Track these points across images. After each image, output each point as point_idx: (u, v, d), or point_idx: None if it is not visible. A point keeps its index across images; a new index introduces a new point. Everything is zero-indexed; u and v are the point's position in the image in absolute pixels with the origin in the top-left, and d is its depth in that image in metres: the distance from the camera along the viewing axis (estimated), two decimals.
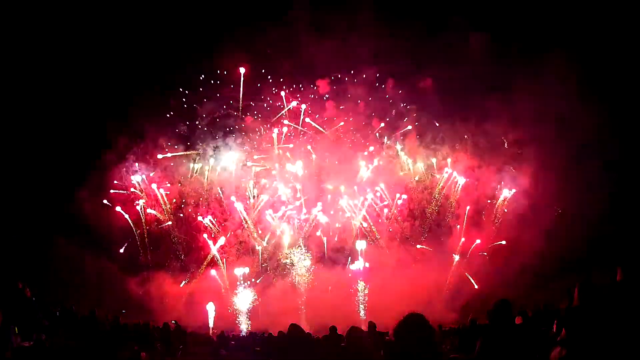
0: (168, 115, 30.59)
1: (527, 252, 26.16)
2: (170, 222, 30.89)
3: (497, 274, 26.39)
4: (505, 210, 29.62)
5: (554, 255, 24.85)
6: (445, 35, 26.69)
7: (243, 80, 29.84)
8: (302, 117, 30.67)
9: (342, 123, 30.63)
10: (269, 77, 30.36)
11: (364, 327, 13.66)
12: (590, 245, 23.53)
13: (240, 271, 29.37)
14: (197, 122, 31.03)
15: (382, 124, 30.91)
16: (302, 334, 7.81)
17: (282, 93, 30.24)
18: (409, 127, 30.46)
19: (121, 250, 29.83)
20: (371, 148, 31.20)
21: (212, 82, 30.25)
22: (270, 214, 30.78)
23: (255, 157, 31.29)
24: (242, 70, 29.34)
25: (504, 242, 28.75)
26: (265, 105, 30.99)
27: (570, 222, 25.13)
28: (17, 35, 25.26)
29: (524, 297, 20.09)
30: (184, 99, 30.67)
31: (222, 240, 30.25)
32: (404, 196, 31.00)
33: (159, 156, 30.45)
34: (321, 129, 31.01)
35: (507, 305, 5.59)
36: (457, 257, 29.18)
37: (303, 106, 30.35)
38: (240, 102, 30.11)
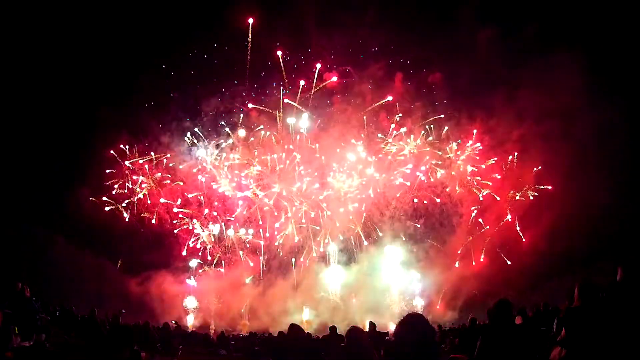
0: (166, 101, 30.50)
1: (528, 251, 26.13)
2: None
3: (497, 273, 26.37)
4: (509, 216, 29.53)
5: (555, 254, 24.82)
6: (454, 28, 26.67)
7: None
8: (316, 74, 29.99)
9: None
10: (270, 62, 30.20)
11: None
12: (592, 245, 23.50)
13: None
14: (198, 118, 30.92)
15: (400, 114, 30.57)
16: (302, 334, 7.81)
17: (279, 53, 29.68)
18: (441, 115, 30.02)
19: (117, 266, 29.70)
20: (394, 148, 30.93)
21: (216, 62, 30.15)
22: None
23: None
24: (250, 20, 28.67)
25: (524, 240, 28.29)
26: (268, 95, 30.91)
27: (572, 221, 25.05)
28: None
29: (524, 297, 20.07)
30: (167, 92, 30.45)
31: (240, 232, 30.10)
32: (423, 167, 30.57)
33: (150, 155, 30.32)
34: (308, 113, 30.96)
35: (507, 305, 5.58)
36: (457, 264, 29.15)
37: (318, 65, 29.81)
38: (249, 55, 29.36)
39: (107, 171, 29.78)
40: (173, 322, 18.07)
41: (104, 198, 29.68)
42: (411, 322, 3.93)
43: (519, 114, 26.89)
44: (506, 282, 24.80)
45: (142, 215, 30.24)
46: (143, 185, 30.42)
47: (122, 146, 29.98)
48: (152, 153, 30.48)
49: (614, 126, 23.97)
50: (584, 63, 23.49)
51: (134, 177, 30.34)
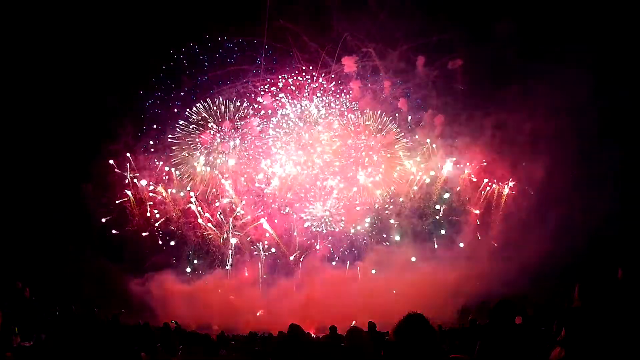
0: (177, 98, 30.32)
1: (530, 250, 26.03)
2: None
3: (497, 274, 26.28)
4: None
5: (556, 254, 24.76)
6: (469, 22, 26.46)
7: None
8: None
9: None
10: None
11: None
12: (592, 244, 23.46)
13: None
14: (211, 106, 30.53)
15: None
16: (302, 334, 7.80)
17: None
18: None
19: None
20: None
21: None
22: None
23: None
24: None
25: None
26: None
27: (574, 221, 24.96)
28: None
29: (524, 297, 20.04)
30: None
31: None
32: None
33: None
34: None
35: (507, 305, 5.59)
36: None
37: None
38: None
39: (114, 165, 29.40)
40: (173, 322, 18.01)
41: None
42: (411, 322, 3.93)
43: (528, 111, 26.64)
44: (506, 282, 24.72)
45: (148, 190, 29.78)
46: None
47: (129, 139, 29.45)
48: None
49: (619, 125, 23.92)
50: (593, 63, 23.35)
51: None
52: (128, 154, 29.61)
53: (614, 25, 23.83)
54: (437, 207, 30.70)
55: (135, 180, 29.70)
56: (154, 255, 29.96)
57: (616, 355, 4.81)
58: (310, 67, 30.24)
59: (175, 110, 30.61)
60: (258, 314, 25.57)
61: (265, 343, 15.82)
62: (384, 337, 12.83)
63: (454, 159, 30.29)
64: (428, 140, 30.28)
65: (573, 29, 24.47)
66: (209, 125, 30.58)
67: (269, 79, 30.55)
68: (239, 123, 30.68)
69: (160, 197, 30.10)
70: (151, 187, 30.08)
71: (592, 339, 4.93)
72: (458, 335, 14.37)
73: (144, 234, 29.92)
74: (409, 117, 30.63)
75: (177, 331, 17.09)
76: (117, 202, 29.50)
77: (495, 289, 23.67)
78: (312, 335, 17.76)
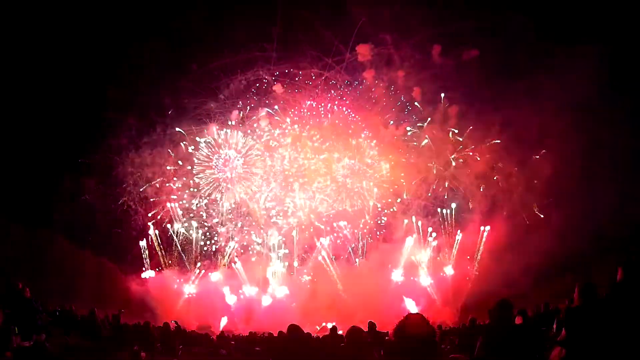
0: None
1: (531, 251, 26.06)
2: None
3: (498, 274, 26.29)
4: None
5: (556, 254, 24.78)
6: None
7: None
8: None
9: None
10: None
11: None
12: (593, 244, 23.47)
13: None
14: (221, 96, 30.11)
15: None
16: (302, 334, 7.81)
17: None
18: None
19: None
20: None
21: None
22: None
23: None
24: None
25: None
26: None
27: (575, 221, 24.94)
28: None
29: (524, 297, 20.05)
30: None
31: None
32: None
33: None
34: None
35: (507, 305, 5.59)
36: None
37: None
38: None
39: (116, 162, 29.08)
40: (173, 322, 18.02)
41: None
42: (411, 322, 3.94)
43: (534, 108, 26.44)
44: (507, 282, 24.75)
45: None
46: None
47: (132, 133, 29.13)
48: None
49: (622, 125, 23.89)
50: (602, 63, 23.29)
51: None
52: (131, 149, 29.48)
53: (628, 21, 23.70)
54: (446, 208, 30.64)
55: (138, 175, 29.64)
56: (155, 255, 29.92)
57: (616, 355, 4.81)
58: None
59: (186, 100, 30.09)
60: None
61: (265, 343, 15.82)
62: (383, 337, 12.82)
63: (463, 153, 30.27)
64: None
65: (586, 23, 24.40)
66: (216, 116, 30.37)
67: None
68: (247, 121, 30.61)
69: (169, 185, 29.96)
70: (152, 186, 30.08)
71: (592, 339, 4.93)
72: (458, 335, 14.34)
73: (149, 232, 29.88)
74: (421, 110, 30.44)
75: (177, 331, 17.10)
76: (119, 200, 29.45)
77: (495, 289, 23.71)
78: (312, 335, 17.75)
